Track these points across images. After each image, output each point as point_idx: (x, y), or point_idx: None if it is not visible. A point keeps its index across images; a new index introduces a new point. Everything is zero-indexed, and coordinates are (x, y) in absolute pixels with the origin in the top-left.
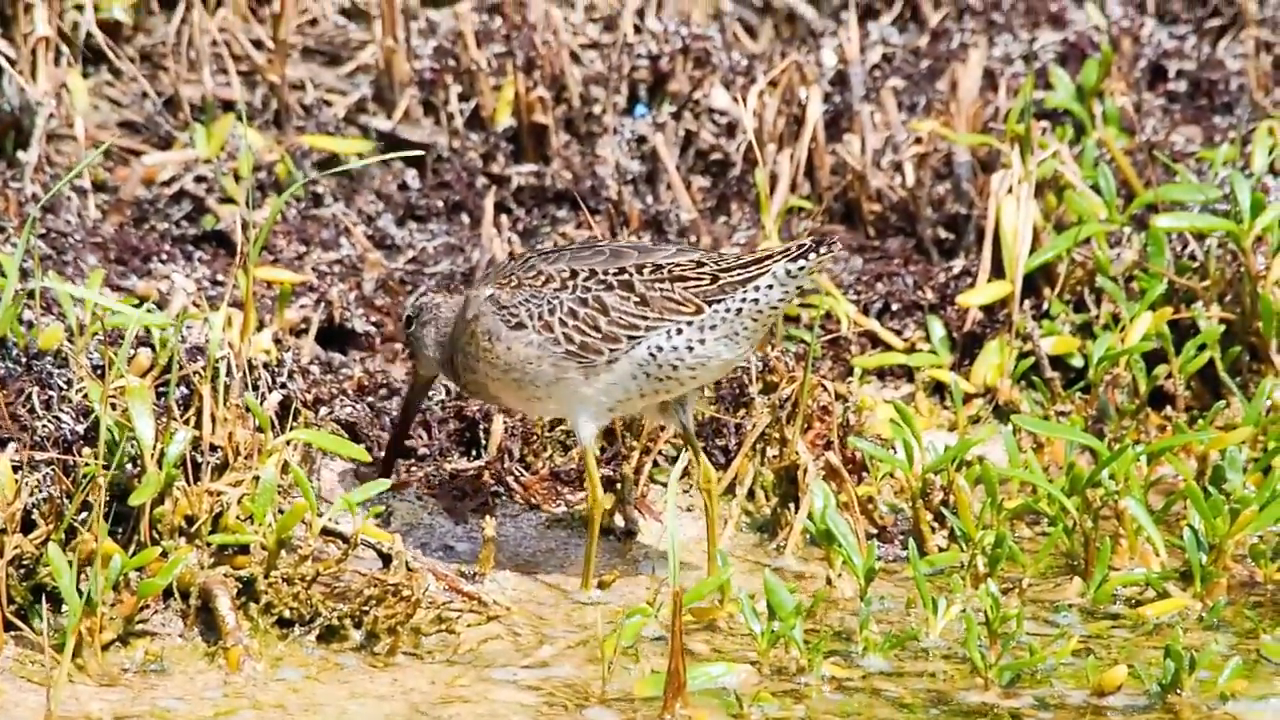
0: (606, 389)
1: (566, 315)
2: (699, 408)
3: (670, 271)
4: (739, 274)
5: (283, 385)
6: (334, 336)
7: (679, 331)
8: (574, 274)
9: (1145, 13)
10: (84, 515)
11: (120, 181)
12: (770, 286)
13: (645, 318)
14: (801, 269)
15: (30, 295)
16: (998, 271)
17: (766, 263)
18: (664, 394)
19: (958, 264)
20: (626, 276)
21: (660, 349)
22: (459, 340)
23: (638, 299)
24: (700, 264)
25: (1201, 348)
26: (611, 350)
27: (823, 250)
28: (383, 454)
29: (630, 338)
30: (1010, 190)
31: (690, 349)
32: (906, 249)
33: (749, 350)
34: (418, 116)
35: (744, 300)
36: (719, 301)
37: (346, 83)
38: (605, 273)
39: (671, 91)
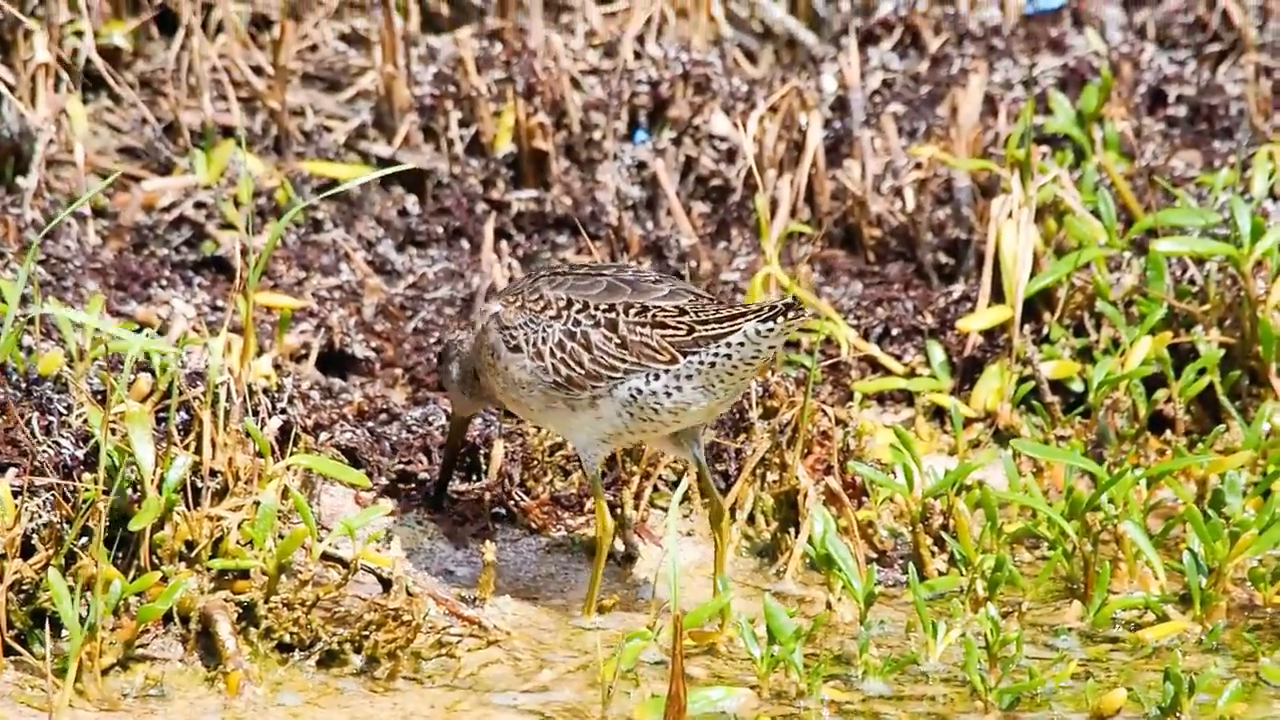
0: (593, 423)
1: (556, 346)
2: None
3: (653, 316)
4: (713, 328)
5: (283, 410)
6: (334, 362)
7: (656, 377)
8: (569, 303)
9: (1145, 38)
10: (84, 540)
11: (120, 208)
12: (742, 344)
13: (624, 360)
14: (771, 330)
15: (30, 321)
16: (998, 296)
17: (739, 320)
18: (655, 432)
19: (958, 289)
20: (613, 315)
21: (640, 392)
22: (479, 346)
23: (618, 341)
24: (683, 311)
25: (1201, 372)
26: (594, 387)
27: (791, 315)
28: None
29: (610, 378)
30: (1010, 215)
31: (669, 394)
32: (907, 274)
33: (732, 397)
34: (418, 142)
35: (716, 355)
36: (693, 353)
37: (347, 109)
38: (596, 308)
39: (672, 117)
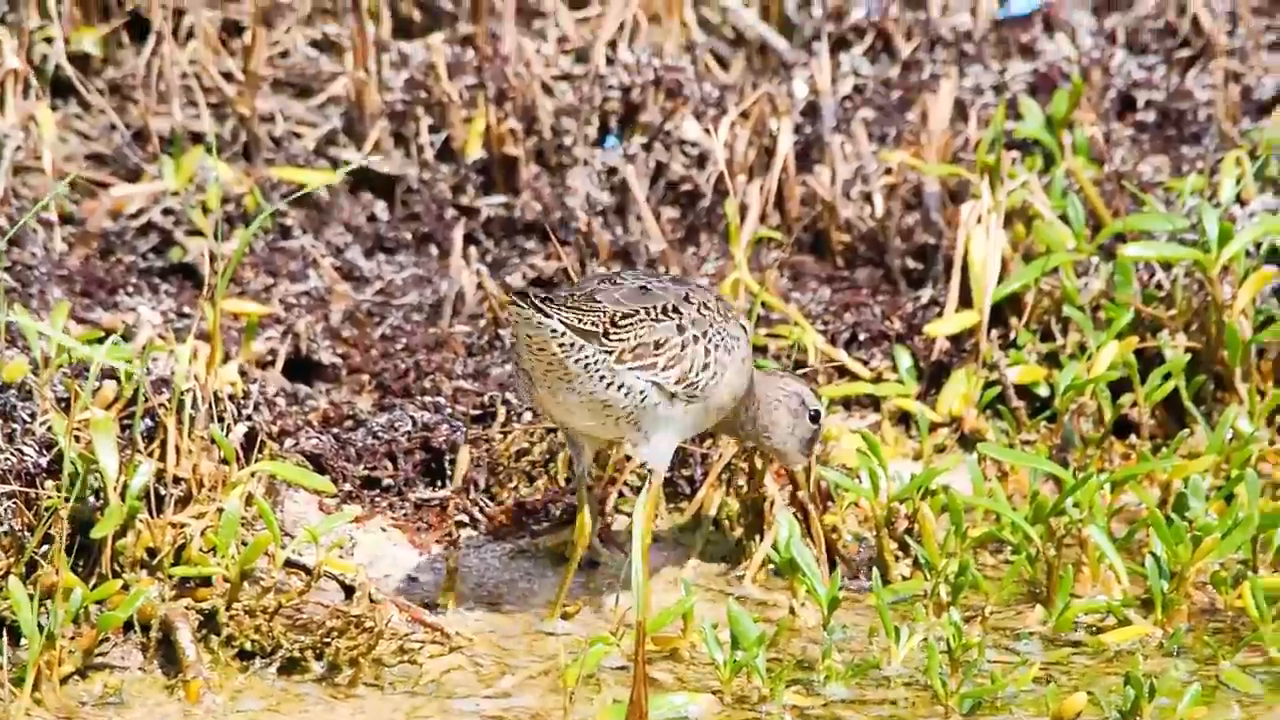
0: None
1: None
2: None
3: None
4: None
5: (248, 417)
6: (300, 368)
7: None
8: None
9: (1115, 43)
10: (45, 548)
11: (87, 214)
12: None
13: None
14: (519, 315)
15: None
16: (965, 301)
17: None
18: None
19: (926, 294)
20: None
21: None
22: None
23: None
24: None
25: (1167, 377)
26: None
27: (513, 305)
28: None
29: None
30: (979, 220)
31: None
32: (875, 279)
33: (571, 405)
34: (388, 148)
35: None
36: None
37: (317, 114)
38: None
39: (643, 123)
